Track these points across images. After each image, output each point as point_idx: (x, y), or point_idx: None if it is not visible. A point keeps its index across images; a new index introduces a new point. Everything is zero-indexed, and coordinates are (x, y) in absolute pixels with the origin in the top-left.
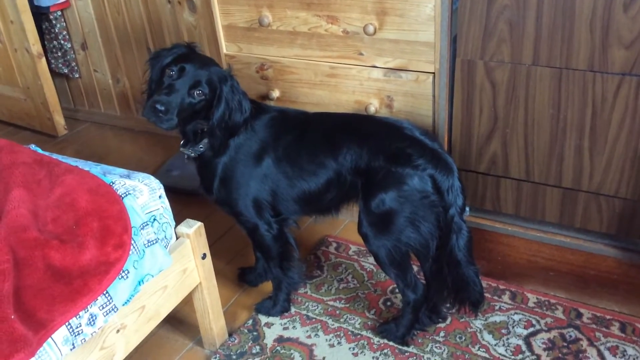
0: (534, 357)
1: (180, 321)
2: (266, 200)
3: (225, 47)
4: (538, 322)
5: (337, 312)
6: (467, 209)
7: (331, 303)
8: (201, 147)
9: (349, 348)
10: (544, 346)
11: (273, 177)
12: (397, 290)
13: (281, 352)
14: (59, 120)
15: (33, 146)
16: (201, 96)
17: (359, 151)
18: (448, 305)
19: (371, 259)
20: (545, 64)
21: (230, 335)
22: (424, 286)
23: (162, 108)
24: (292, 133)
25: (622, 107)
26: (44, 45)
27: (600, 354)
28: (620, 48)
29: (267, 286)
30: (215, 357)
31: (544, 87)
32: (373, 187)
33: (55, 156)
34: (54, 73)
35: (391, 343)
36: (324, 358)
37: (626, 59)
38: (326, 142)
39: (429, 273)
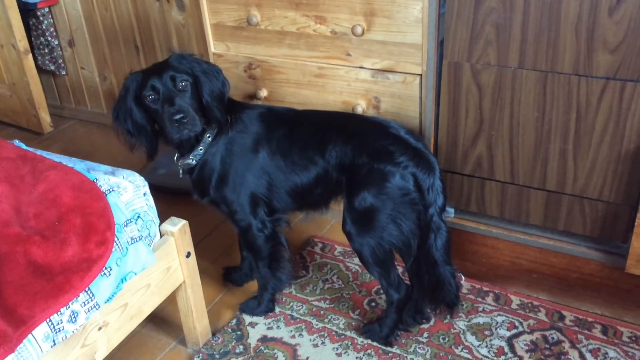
0: (516, 358)
1: (163, 320)
2: (262, 194)
3: (213, 46)
4: (521, 323)
5: (322, 312)
6: (452, 210)
7: (316, 303)
8: (200, 149)
9: (333, 348)
10: (527, 348)
11: (268, 169)
12: (381, 291)
13: (265, 351)
14: (45, 117)
15: (17, 142)
16: (187, 83)
17: (344, 148)
18: (432, 306)
19: (356, 260)
20: (531, 67)
21: (213, 334)
22: (408, 286)
23: (181, 114)
24: (283, 128)
25: (606, 111)
26: (30, 42)
27: (582, 356)
28: (605, 52)
29: (252, 286)
30: (199, 357)
31: (530, 90)
32: (356, 184)
33: (39, 152)
34: (41, 70)
35: (375, 343)
36: (307, 358)
37: (611, 63)
38: (315, 138)
39: (411, 272)
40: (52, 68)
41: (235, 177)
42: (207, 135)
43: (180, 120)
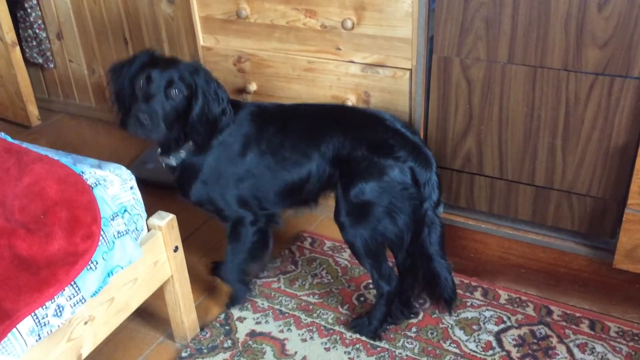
0: (504, 353)
1: (151, 314)
2: (250, 196)
3: (202, 39)
4: (509, 318)
5: (310, 307)
6: (441, 205)
7: (305, 298)
8: (182, 153)
9: (322, 343)
10: (514, 342)
11: (256, 171)
12: (370, 286)
13: (253, 346)
14: (33, 110)
15: (2, 134)
16: (179, 94)
17: (342, 140)
18: (421, 301)
19: (346, 255)
20: (520, 62)
21: (201, 329)
22: (398, 279)
23: (146, 116)
24: (274, 124)
25: (594, 107)
26: (18, 34)
27: (569, 350)
28: (594, 48)
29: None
30: (187, 351)
31: (519, 85)
32: (353, 177)
33: (24, 145)
34: (28, 62)
35: (363, 338)
36: (295, 353)
37: (600, 58)
38: (309, 131)
39: (403, 266)
40: (40, 61)
41: (221, 181)
42: (188, 144)
43: (139, 120)
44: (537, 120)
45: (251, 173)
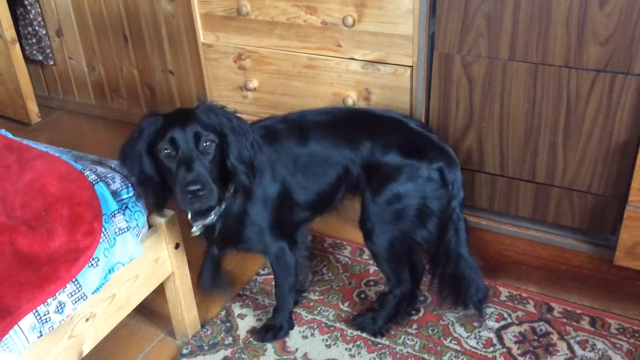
0: (504, 349)
1: (152, 311)
2: (285, 218)
3: (202, 36)
4: (509, 315)
5: (311, 304)
6: None
7: (305, 295)
8: (223, 205)
9: (322, 339)
10: (515, 339)
11: (290, 193)
12: (371, 283)
13: (254, 343)
14: (33, 107)
15: (3, 131)
16: (212, 145)
17: (371, 145)
18: (422, 298)
19: (346, 252)
20: (522, 59)
21: (202, 326)
22: (411, 281)
23: (198, 186)
24: (293, 141)
25: (596, 104)
26: (18, 31)
27: (570, 347)
28: (595, 44)
29: (241, 275)
30: (187, 348)
31: (520, 82)
32: (385, 180)
33: (25, 141)
34: (28, 60)
35: (364, 335)
36: (296, 349)
37: (601, 55)
38: (332, 141)
39: (422, 267)
40: (40, 58)
41: (265, 214)
42: (227, 194)
43: (195, 193)
44: (538, 117)
45: (286, 196)
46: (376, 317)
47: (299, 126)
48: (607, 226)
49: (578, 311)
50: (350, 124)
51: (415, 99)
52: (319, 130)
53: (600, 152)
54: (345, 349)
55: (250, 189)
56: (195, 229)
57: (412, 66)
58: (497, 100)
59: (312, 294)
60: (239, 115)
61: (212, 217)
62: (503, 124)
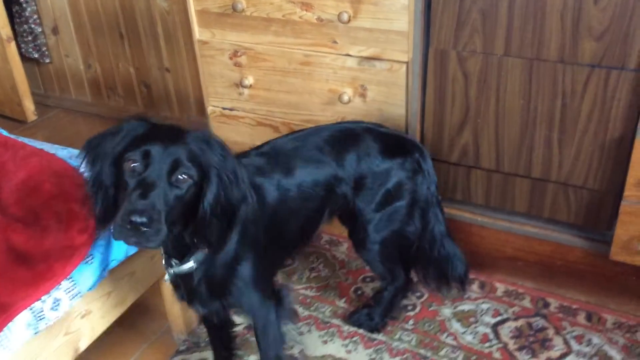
0: (501, 344)
1: (148, 309)
2: (279, 259)
3: (198, 33)
4: (506, 310)
5: (308, 300)
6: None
7: (302, 292)
8: (191, 264)
9: (319, 336)
10: (511, 334)
11: (279, 227)
12: (368, 279)
13: (251, 339)
14: (29, 105)
15: None
16: (188, 181)
17: (356, 157)
18: (418, 293)
19: (343, 248)
20: (517, 54)
21: (199, 323)
22: (404, 275)
23: (144, 219)
24: (276, 175)
25: (591, 99)
26: (14, 29)
27: (566, 342)
28: (590, 40)
29: None
30: (184, 345)
31: (515, 78)
32: (376, 187)
33: (21, 139)
34: (24, 58)
35: (360, 331)
36: (292, 346)
37: (596, 50)
38: (318, 163)
39: (411, 258)
40: (36, 56)
41: (256, 260)
42: (198, 252)
43: (136, 226)
44: (533, 113)
45: (275, 232)
46: (372, 313)
47: (279, 157)
48: (602, 221)
49: (574, 306)
50: (327, 142)
51: (411, 95)
52: (299, 157)
53: (596, 147)
54: (342, 345)
55: (216, 249)
56: (167, 277)
57: (407, 62)
58: (493, 96)
59: (308, 290)
60: (238, 162)
61: (190, 265)
62: (499, 119)
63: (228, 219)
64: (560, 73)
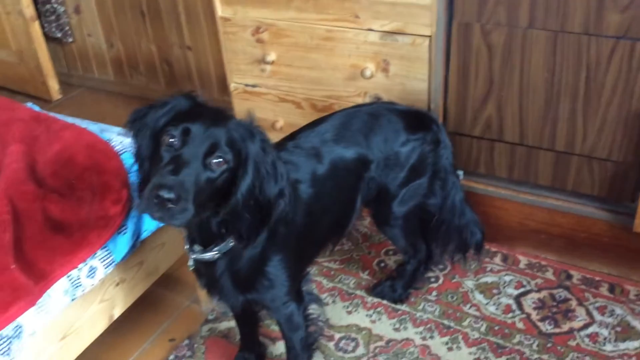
0: (523, 315)
1: (177, 279)
2: (306, 253)
3: (220, 10)
4: (529, 282)
5: (332, 272)
6: (461, 172)
7: (326, 264)
8: (213, 253)
9: (343, 306)
10: (534, 305)
11: (311, 226)
12: (391, 252)
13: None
14: (53, 84)
15: (30, 104)
16: (222, 165)
17: (383, 138)
18: (441, 266)
19: (365, 222)
20: (541, 27)
21: None
22: (426, 246)
23: (172, 195)
24: (309, 164)
25: (615, 71)
26: (37, 9)
27: (588, 313)
28: (615, 11)
29: None
30: (212, 314)
31: (540, 51)
32: (402, 165)
33: (52, 114)
34: (48, 37)
35: (384, 302)
36: (317, 316)
37: (620, 22)
38: (346, 148)
39: (432, 229)
40: (59, 35)
41: (288, 256)
42: (228, 239)
43: (162, 200)
44: (557, 86)
45: (311, 226)
46: (395, 285)
47: (312, 150)
48: (626, 194)
49: (597, 278)
50: (352, 127)
51: (434, 69)
52: (332, 148)
53: (620, 119)
54: (366, 315)
55: (244, 242)
56: (191, 263)
57: (430, 36)
58: (517, 68)
59: (332, 263)
60: (278, 154)
61: (213, 254)
62: (523, 92)
63: (262, 214)
64: (585, 45)
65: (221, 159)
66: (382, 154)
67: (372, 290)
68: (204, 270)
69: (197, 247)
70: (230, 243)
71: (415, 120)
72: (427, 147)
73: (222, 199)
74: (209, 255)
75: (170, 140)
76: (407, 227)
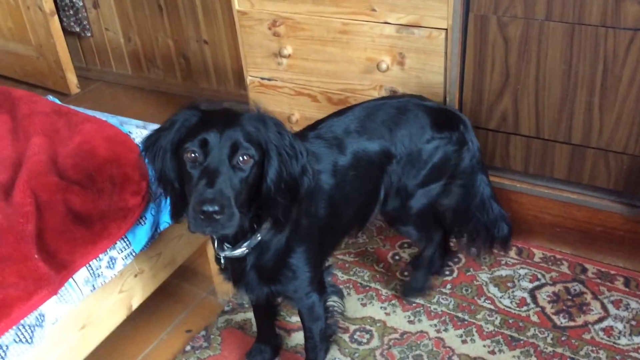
0: (538, 309)
1: (194, 271)
2: (327, 243)
3: (237, 4)
4: (543, 276)
5: (347, 265)
6: None
7: (340, 257)
8: (258, 236)
9: (358, 299)
10: (549, 299)
11: (336, 209)
12: (405, 245)
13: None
14: (72, 78)
15: (50, 97)
16: (249, 161)
17: (408, 133)
18: (455, 259)
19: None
20: (558, 19)
21: None
22: (441, 234)
23: (216, 207)
24: (332, 155)
25: (633, 63)
26: (56, 3)
27: (603, 306)
28: (633, 3)
29: None
30: (229, 306)
31: (556, 43)
32: (424, 163)
33: (72, 107)
34: (66, 31)
35: (399, 294)
36: (333, 308)
37: (639, 13)
38: (370, 140)
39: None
40: (78, 29)
41: (311, 252)
42: (266, 224)
43: (209, 215)
44: (574, 78)
45: (333, 217)
46: (416, 278)
47: (334, 140)
48: None
49: (612, 272)
50: (382, 121)
51: (450, 62)
52: (355, 139)
53: (637, 112)
54: (381, 308)
55: (282, 225)
56: (222, 261)
57: (447, 29)
58: (533, 61)
59: (347, 256)
60: (292, 134)
61: (243, 250)
62: (539, 85)
63: (291, 194)
64: (602, 37)
65: (246, 156)
66: (406, 149)
67: (406, 296)
68: (231, 265)
69: (226, 245)
70: (258, 237)
71: (443, 118)
72: (451, 147)
73: (256, 194)
74: (239, 251)
75: (192, 155)
76: (421, 224)
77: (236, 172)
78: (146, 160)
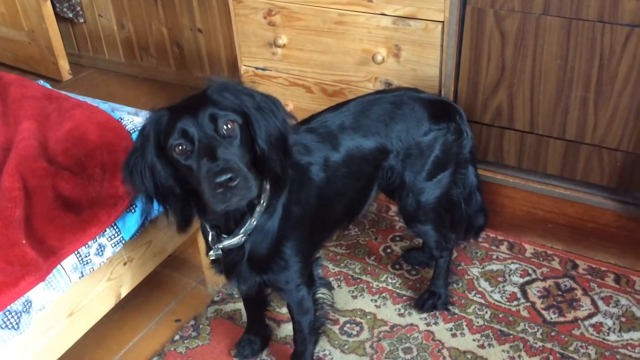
0: (528, 303)
1: (184, 261)
2: (317, 235)
3: None
4: (534, 271)
5: (338, 257)
6: None
7: (332, 249)
8: (253, 221)
9: (349, 291)
10: (539, 294)
11: (326, 203)
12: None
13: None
14: (64, 64)
15: (41, 82)
16: (234, 125)
17: (405, 127)
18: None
19: (372, 208)
20: (555, 13)
21: None
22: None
23: (229, 175)
24: (324, 149)
25: (629, 60)
26: None
27: (594, 302)
28: None
29: None
30: (218, 296)
31: (553, 38)
32: (425, 156)
33: (63, 92)
34: (59, 17)
35: (390, 287)
36: (323, 300)
37: (636, 10)
38: (365, 136)
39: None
40: (70, 15)
41: (300, 236)
42: (262, 200)
43: (226, 184)
44: (570, 74)
45: (323, 210)
46: (436, 290)
47: (326, 134)
48: (635, 184)
49: (603, 268)
50: (377, 115)
51: (446, 54)
52: (347, 134)
53: (632, 109)
54: (371, 300)
55: (283, 180)
56: (212, 253)
57: (443, 21)
58: (529, 55)
59: (338, 248)
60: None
61: (240, 237)
62: (535, 80)
63: (282, 146)
64: (599, 33)
65: (229, 122)
66: (403, 143)
67: (421, 309)
68: (225, 258)
69: (224, 236)
70: (254, 222)
71: (440, 109)
72: (450, 137)
73: (253, 159)
74: (236, 239)
75: (180, 148)
76: (438, 220)
77: (228, 140)
78: (131, 185)
